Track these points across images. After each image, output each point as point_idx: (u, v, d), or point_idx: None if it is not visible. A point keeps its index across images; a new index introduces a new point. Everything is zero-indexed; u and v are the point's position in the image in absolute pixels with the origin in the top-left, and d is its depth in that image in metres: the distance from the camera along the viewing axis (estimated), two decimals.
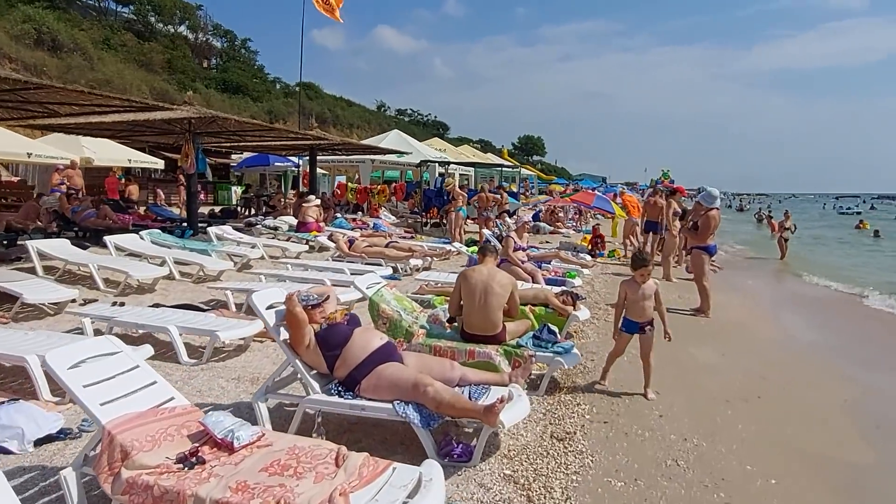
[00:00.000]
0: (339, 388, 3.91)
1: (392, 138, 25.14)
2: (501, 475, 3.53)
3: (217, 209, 19.94)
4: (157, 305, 7.10)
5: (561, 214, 22.96)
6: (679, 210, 12.67)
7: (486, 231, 13.67)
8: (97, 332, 6.04)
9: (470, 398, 3.93)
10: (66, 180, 15.25)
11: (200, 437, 3.07)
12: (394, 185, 22.83)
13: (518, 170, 30.68)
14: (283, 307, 4.06)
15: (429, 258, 11.77)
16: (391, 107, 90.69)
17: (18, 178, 20.79)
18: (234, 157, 27.26)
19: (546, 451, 3.88)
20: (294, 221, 14.41)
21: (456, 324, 5.50)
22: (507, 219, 14.75)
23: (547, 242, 16.21)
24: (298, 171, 24.28)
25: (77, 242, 9.85)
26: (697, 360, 6.34)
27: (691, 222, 9.03)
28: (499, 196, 18.01)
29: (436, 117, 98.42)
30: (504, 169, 29.11)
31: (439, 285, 8.32)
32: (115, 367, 3.20)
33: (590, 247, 14.60)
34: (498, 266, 9.15)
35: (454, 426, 4.06)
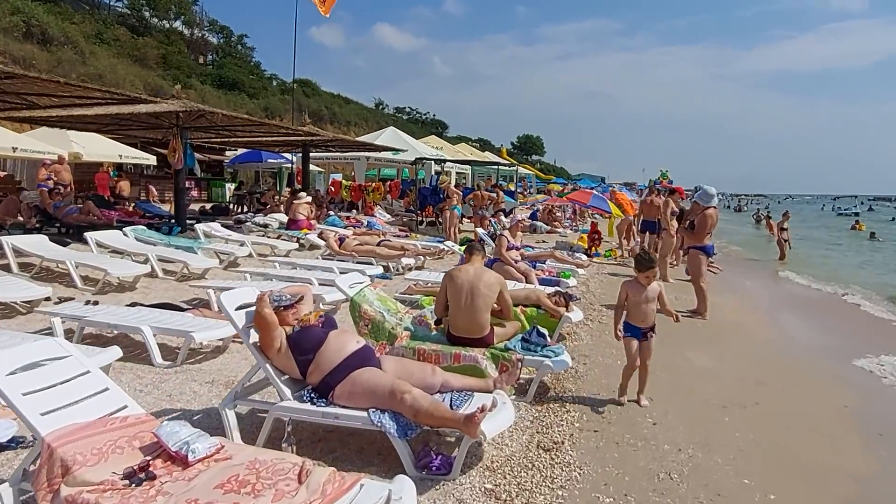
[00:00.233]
0: (312, 395, 3.67)
1: (388, 135, 24.89)
2: (482, 490, 3.30)
3: (208, 206, 19.66)
4: (134, 304, 6.83)
5: (558, 214, 22.72)
6: (677, 209, 12.45)
7: (480, 230, 13.44)
8: (68, 333, 5.81)
9: (452, 405, 3.70)
10: (53, 175, 14.99)
11: (153, 450, 2.83)
12: (388, 182, 22.57)
13: (515, 168, 30.37)
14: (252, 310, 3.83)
15: (421, 257, 11.53)
16: (389, 105, 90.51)
17: (5, 174, 20.48)
18: (228, 153, 27.00)
19: (531, 463, 3.64)
20: (285, 219, 14.16)
21: (442, 325, 5.27)
22: (503, 218, 14.49)
23: (544, 242, 15.97)
24: (292, 167, 24.01)
25: (57, 239, 9.61)
26: (693, 364, 6.11)
27: (688, 222, 8.80)
28: (494, 195, 17.79)
29: (434, 116, 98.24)
30: (501, 167, 28.84)
31: (429, 285, 8.09)
32: (61, 373, 2.95)
33: (587, 244, 14.36)
34: (491, 265, 9.03)
35: (435, 435, 3.83)
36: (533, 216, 21.65)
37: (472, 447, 3.58)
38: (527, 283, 8.43)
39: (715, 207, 8.60)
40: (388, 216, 19.79)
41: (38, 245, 8.53)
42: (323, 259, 10.94)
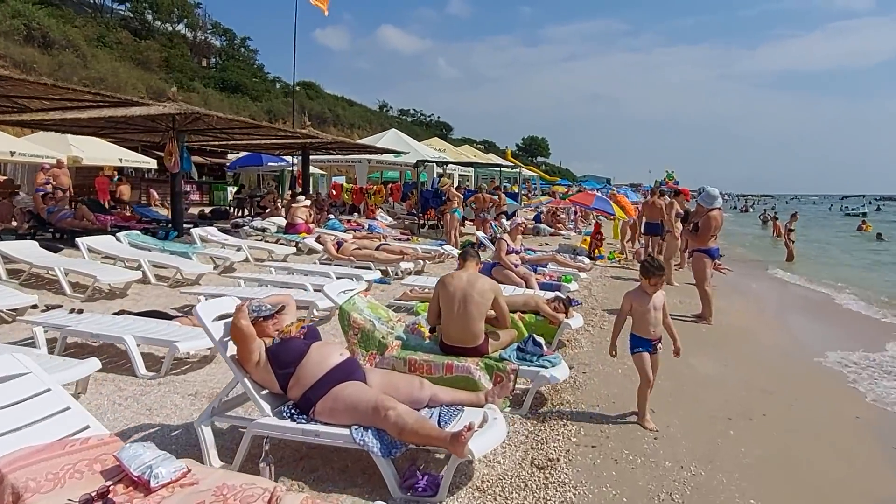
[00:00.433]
0: (293, 411, 3.49)
1: (389, 137, 24.73)
2: None
3: (207, 210, 19.51)
4: (122, 312, 6.67)
5: (563, 216, 22.48)
6: (681, 211, 12.23)
7: (480, 233, 13.23)
8: (50, 342, 5.63)
9: (440, 421, 3.51)
10: (51, 180, 14.87)
11: (115, 475, 2.64)
12: (390, 185, 22.39)
13: (518, 170, 30.16)
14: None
15: (421, 261, 11.33)
16: (394, 107, 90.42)
17: (5, 178, 20.38)
18: (230, 156, 26.89)
19: (524, 483, 3.44)
20: (284, 223, 13.99)
21: (436, 334, 5.08)
22: (504, 221, 14.29)
23: (546, 244, 15.76)
24: (293, 170, 23.87)
25: (49, 244, 9.45)
26: (697, 372, 5.89)
27: (692, 224, 8.58)
28: (496, 197, 17.59)
29: (439, 118, 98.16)
30: (503, 169, 28.64)
31: (425, 290, 7.88)
32: (17, 392, 2.77)
33: (588, 247, 14.14)
34: (490, 269, 8.83)
35: (424, 452, 3.63)
36: (537, 218, 21.44)
37: (462, 465, 3.39)
38: (527, 287, 8.24)
39: (720, 209, 8.38)
40: (390, 219, 19.61)
41: (28, 251, 8.37)
42: (320, 264, 10.76)
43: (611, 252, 14.60)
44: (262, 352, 3.53)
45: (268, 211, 17.11)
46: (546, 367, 4.56)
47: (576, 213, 22.91)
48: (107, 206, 18.82)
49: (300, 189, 18.44)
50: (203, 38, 56.98)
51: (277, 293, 6.74)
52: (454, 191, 14.27)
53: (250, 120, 15.90)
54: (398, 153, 21.45)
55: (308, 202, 14.18)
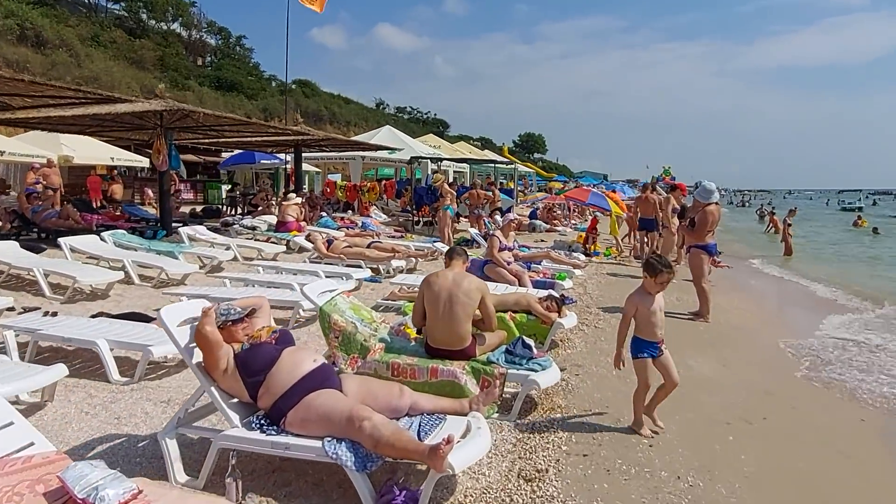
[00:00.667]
0: (262, 422, 3.27)
1: (384, 134, 24.50)
2: None
3: (199, 208, 19.27)
4: (100, 314, 6.45)
5: (558, 212, 22.25)
6: (678, 207, 12.04)
7: (472, 230, 13.02)
8: (23, 346, 5.41)
9: (420, 432, 3.29)
10: (41, 179, 14.66)
11: (59, 497, 2.42)
12: (384, 182, 22.16)
13: (514, 166, 29.88)
14: None
15: (413, 259, 11.11)
16: (390, 105, 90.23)
17: None
18: (224, 155, 26.65)
19: (510, 496, 3.22)
20: (274, 221, 13.76)
21: (422, 335, 4.87)
22: (498, 217, 14.08)
23: (542, 241, 15.53)
24: (286, 168, 23.64)
25: (31, 244, 9.22)
26: (695, 373, 5.67)
27: (688, 219, 8.36)
28: (490, 193, 17.37)
29: (435, 115, 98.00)
30: (499, 165, 28.40)
31: (413, 290, 7.65)
32: None
33: (583, 242, 13.93)
34: (483, 267, 8.61)
35: (405, 464, 3.41)
36: (532, 214, 21.22)
37: (444, 479, 3.18)
38: (519, 285, 8.02)
39: (717, 204, 8.17)
40: (385, 216, 19.39)
41: (8, 252, 8.14)
42: (310, 262, 10.54)
43: (607, 248, 14.38)
44: (230, 358, 3.32)
45: (259, 209, 16.90)
46: (536, 371, 4.35)
47: (569, 209, 22.67)
48: (98, 204, 18.64)
49: (293, 187, 18.20)
50: (198, 36, 56.69)
51: (251, 295, 6.54)
52: (447, 187, 14.02)
53: (239, 116, 15.66)
54: (392, 150, 21.21)
55: (299, 200, 13.94)
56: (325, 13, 23.03)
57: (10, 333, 5.35)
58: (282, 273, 9.12)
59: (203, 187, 27.34)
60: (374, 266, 10.22)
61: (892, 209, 59.58)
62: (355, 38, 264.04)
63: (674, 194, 12.38)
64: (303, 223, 13.47)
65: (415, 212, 18.47)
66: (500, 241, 8.55)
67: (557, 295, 6.63)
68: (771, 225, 26.96)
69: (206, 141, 18.35)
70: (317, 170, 27.99)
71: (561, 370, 5.09)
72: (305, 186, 27.10)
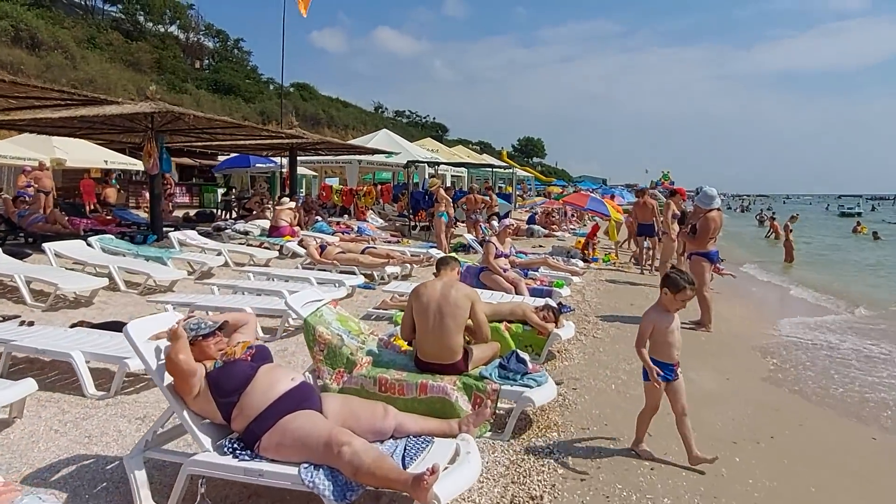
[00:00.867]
0: (236, 445, 3.03)
1: (380, 138, 24.31)
2: None
3: (192, 212, 19.03)
4: (81, 323, 6.22)
5: (556, 217, 22.02)
6: (678, 212, 11.79)
7: (468, 236, 12.79)
8: None
9: (404, 457, 3.05)
10: (33, 182, 14.44)
11: None
12: (380, 186, 21.96)
13: (512, 171, 29.70)
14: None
15: (409, 265, 10.89)
16: (389, 108, 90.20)
17: None
18: (221, 158, 26.43)
19: None
20: (268, 225, 13.54)
21: (412, 348, 4.63)
22: (495, 222, 13.85)
23: (540, 247, 15.30)
24: (281, 172, 23.45)
25: (16, 250, 8.99)
26: (697, 387, 5.42)
27: (690, 226, 8.13)
28: (488, 198, 17.16)
29: (434, 119, 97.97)
30: (497, 170, 28.19)
31: (405, 298, 7.41)
32: None
33: (582, 248, 13.72)
34: (478, 274, 8.39)
35: (389, 490, 3.18)
36: (531, 219, 21.00)
37: None
38: (516, 293, 7.80)
39: (718, 210, 7.94)
40: (381, 221, 19.18)
41: None
42: (303, 268, 10.31)
43: (605, 254, 14.17)
44: (201, 376, 3.08)
45: (254, 213, 16.66)
46: (531, 387, 4.12)
47: (565, 213, 22.44)
48: (91, 208, 18.40)
49: (287, 190, 17.98)
50: (196, 39, 56.55)
51: (237, 305, 6.32)
52: (442, 192, 13.77)
53: (231, 119, 15.42)
54: (389, 153, 21.01)
55: (292, 204, 13.70)
56: (324, 16, 22.98)
57: None
58: (273, 280, 8.89)
59: (199, 191, 27.11)
60: (368, 272, 9.99)
61: (891, 214, 59.49)
62: (355, 41, 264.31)
63: (674, 199, 12.12)
64: (296, 228, 13.25)
65: (411, 216, 18.26)
66: (496, 248, 8.33)
67: (555, 304, 6.41)
68: (772, 230, 26.78)
69: (199, 144, 18.10)
70: (314, 173, 27.79)
71: (558, 384, 4.88)
72: (303, 190, 26.96)
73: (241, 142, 17.29)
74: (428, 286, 4.41)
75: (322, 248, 10.71)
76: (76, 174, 21.21)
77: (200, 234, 12.22)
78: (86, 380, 4.73)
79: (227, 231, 13.41)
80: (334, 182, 26.50)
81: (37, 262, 8.95)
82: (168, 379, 3.13)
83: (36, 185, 14.31)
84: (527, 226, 19.70)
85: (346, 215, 19.80)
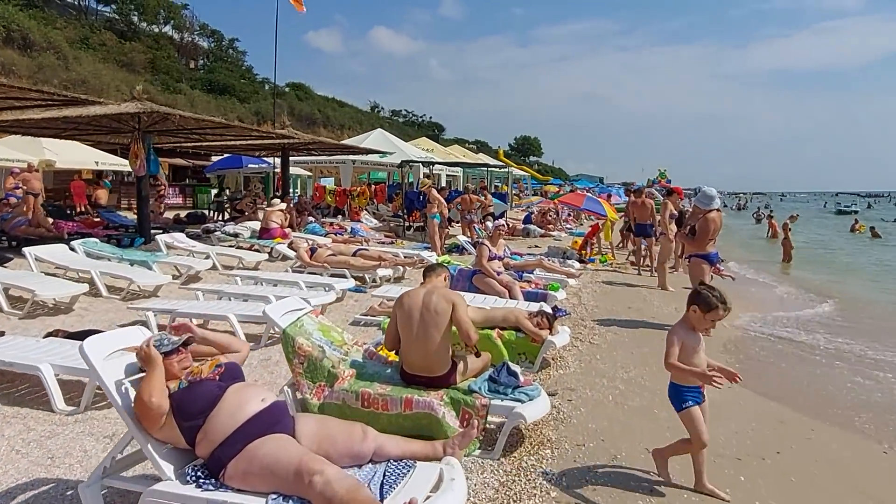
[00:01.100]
0: (199, 473, 2.79)
1: (375, 137, 24.06)
2: None
3: (183, 214, 18.76)
4: (57, 332, 5.95)
5: (552, 216, 21.78)
6: (675, 212, 11.57)
7: (462, 237, 12.54)
8: None
9: (384, 483, 2.82)
10: (21, 184, 14.17)
11: None
12: (374, 186, 21.71)
13: (508, 170, 29.46)
14: (134, 359, 3.00)
15: (401, 267, 10.65)
16: (385, 108, 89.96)
17: None
18: (214, 158, 26.16)
19: None
20: (258, 227, 13.28)
21: (398, 358, 4.39)
22: (489, 223, 13.62)
23: (536, 247, 15.05)
24: (274, 172, 23.21)
25: None
26: None
27: (689, 227, 7.90)
28: (482, 198, 16.93)
29: (431, 118, 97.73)
30: (493, 169, 27.97)
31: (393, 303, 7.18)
32: None
33: (579, 248, 13.50)
34: (471, 277, 8.15)
35: None
36: (527, 219, 20.78)
37: None
38: (510, 297, 7.57)
39: (718, 210, 7.70)
40: (375, 221, 18.93)
41: None
42: (293, 271, 10.07)
43: (602, 255, 13.94)
44: (167, 409, 2.84)
45: (246, 214, 16.40)
46: (522, 402, 3.88)
47: (557, 213, 22.20)
48: (81, 210, 18.13)
49: (280, 191, 17.73)
50: (190, 39, 56.22)
51: (221, 310, 6.06)
52: (435, 192, 13.50)
53: (219, 119, 15.16)
54: (383, 153, 20.76)
55: (283, 205, 13.44)
56: (320, 16, 22.76)
57: None
58: (261, 284, 8.65)
59: (192, 192, 26.83)
60: (360, 275, 9.75)
61: (888, 212, 59.39)
62: (351, 41, 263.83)
63: (671, 199, 11.89)
64: (288, 230, 12.99)
65: (406, 217, 18.03)
66: (490, 250, 8.08)
67: (549, 308, 6.17)
68: (770, 229, 26.60)
69: (189, 145, 17.84)
70: (308, 174, 27.54)
71: (551, 395, 4.66)
72: (298, 190, 26.69)
73: (232, 142, 17.03)
74: (412, 294, 4.17)
75: (312, 250, 10.45)
76: (67, 175, 20.94)
77: (189, 236, 11.97)
78: (55, 394, 4.49)
79: (216, 233, 13.14)
80: (329, 182, 26.26)
81: (18, 267, 8.71)
82: (129, 401, 2.89)
83: (24, 187, 14.05)
84: (523, 225, 19.48)
85: (339, 216, 19.55)
